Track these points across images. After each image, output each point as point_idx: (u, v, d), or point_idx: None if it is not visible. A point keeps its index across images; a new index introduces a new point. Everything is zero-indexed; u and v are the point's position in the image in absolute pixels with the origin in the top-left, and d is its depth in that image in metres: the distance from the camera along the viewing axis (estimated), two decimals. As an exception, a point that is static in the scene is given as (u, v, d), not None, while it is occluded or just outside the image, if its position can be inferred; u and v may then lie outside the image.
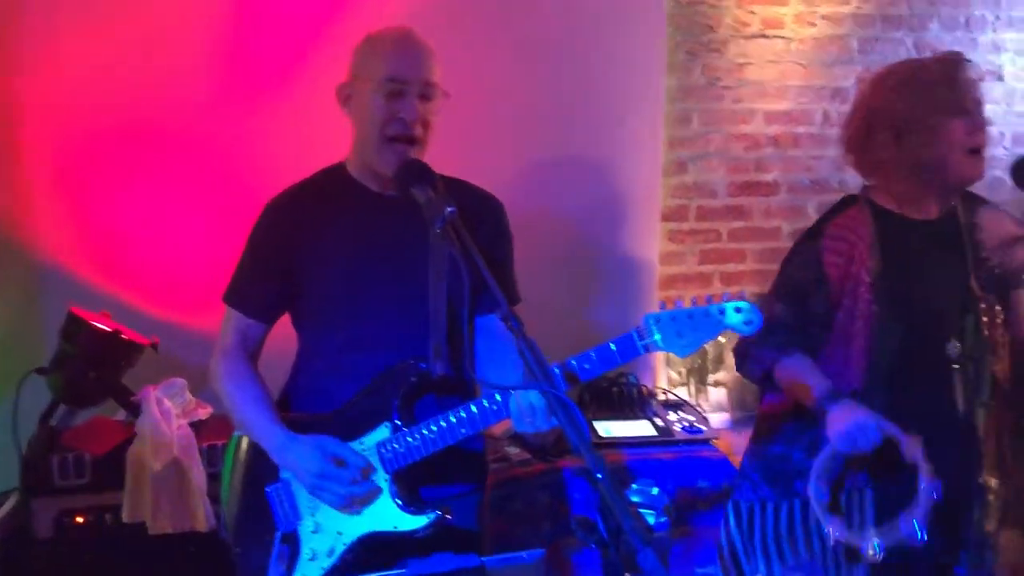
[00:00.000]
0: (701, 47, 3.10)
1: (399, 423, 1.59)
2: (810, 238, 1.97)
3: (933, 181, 1.87)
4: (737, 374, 2.10)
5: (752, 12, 3.13)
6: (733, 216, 3.23)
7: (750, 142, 3.21)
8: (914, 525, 1.70)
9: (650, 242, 3.08)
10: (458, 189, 1.68)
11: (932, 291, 1.87)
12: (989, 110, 3.38)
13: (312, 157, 1.78)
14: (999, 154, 3.49)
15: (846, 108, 3.20)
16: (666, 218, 3.15)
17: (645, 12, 2.94)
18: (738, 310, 1.41)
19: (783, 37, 3.18)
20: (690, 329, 1.45)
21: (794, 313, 1.92)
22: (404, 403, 1.61)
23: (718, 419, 3.11)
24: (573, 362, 1.46)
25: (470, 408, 1.52)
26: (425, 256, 1.61)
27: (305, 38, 2.68)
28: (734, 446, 2.75)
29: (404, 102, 1.62)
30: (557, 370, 1.43)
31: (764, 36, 3.16)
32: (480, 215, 1.68)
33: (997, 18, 3.40)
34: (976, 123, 1.84)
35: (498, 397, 1.50)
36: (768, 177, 3.24)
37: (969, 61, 1.88)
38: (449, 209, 1.45)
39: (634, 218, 3.03)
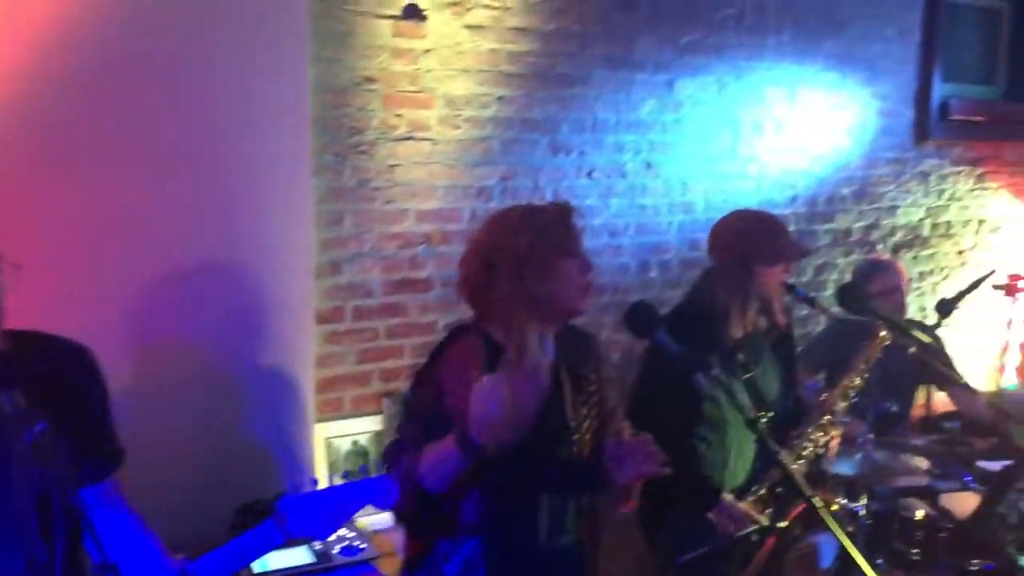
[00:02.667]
0: (349, 149, 3.11)
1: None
2: (428, 366, 2.07)
3: (547, 315, 2.00)
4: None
5: (399, 115, 3.20)
6: (390, 314, 3.26)
7: (403, 240, 3.26)
8: None
9: (305, 346, 3.00)
10: (30, 346, 1.49)
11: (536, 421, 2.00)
12: (614, 204, 3.78)
13: None
14: (625, 242, 3.87)
15: (491, 206, 3.44)
16: (321, 320, 3.10)
17: (288, 115, 2.88)
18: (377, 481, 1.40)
19: (430, 139, 3.28)
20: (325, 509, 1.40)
21: (419, 436, 1.97)
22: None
23: (379, 520, 3.09)
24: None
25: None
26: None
27: None
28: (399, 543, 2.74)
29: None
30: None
31: (412, 138, 3.24)
32: (61, 379, 1.51)
33: (618, 122, 3.77)
34: (586, 263, 2.01)
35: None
36: (422, 274, 3.31)
37: (574, 208, 2.05)
38: (39, 427, 1.28)
39: (287, 324, 2.93)
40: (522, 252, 1.96)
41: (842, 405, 2.34)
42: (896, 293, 3.55)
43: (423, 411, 2.00)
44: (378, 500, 1.59)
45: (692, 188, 4.02)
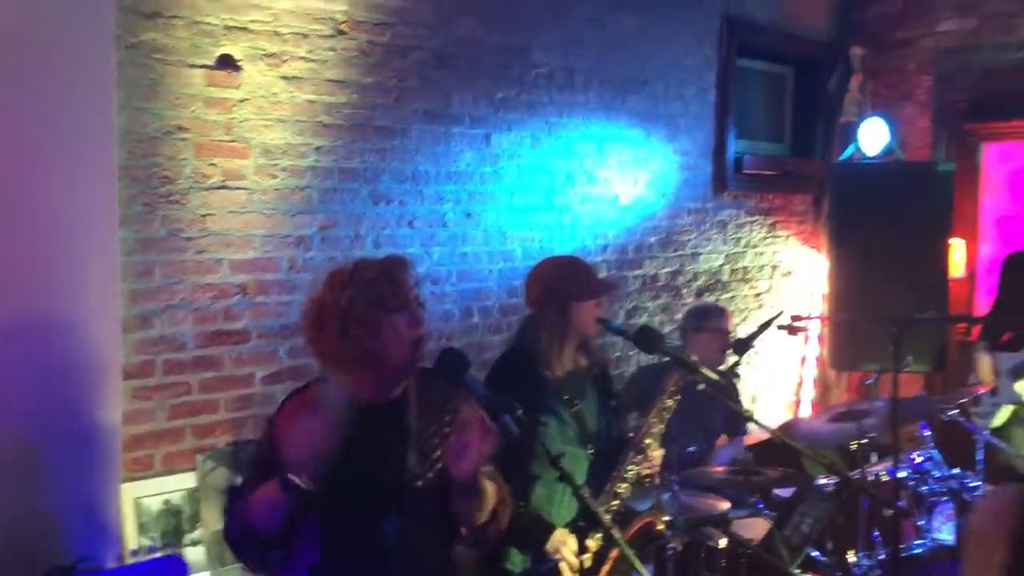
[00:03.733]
0: (159, 199, 3.03)
1: None
2: (270, 417, 2.14)
3: (379, 370, 2.05)
4: (214, 530, 2.12)
5: (213, 164, 3.15)
6: (203, 367, 3.17)
7: (217, 291, 3.19)
8: None
9: (112, 403, 2.88)
10: None
11: (370, 473, 2.03)
12: (436, 252, 3.87)
13: None
14: (447, 290, 3.96)
15: (310, 255, 3.44)
16: (130, 375, 2.98)
17: (94, 164, 2.79)
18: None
19: (245, 188, 3.25)
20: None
21: (253, 482, 2.04)
22: None
23: (198, 580, 2.99)
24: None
25: None
26: None
27: None
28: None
29: None
30: None
31: (226, 187, 3.19)
32: None
33: (438, 173, 3.87)
34: (415, 317, 2.06)
35: None
36: (238, 325, 3.25)
37: (408, 261, 2.11)
38: None
39: (92, 380, 2.81)
40: (345, 308, 2.01)
41: (650, 440, 2.50)
42: (724, 335, 3.84)
43: (259, 459, 2.08)
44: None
45: (511, 237, 4.16)
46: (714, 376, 2.47)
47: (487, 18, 3.95)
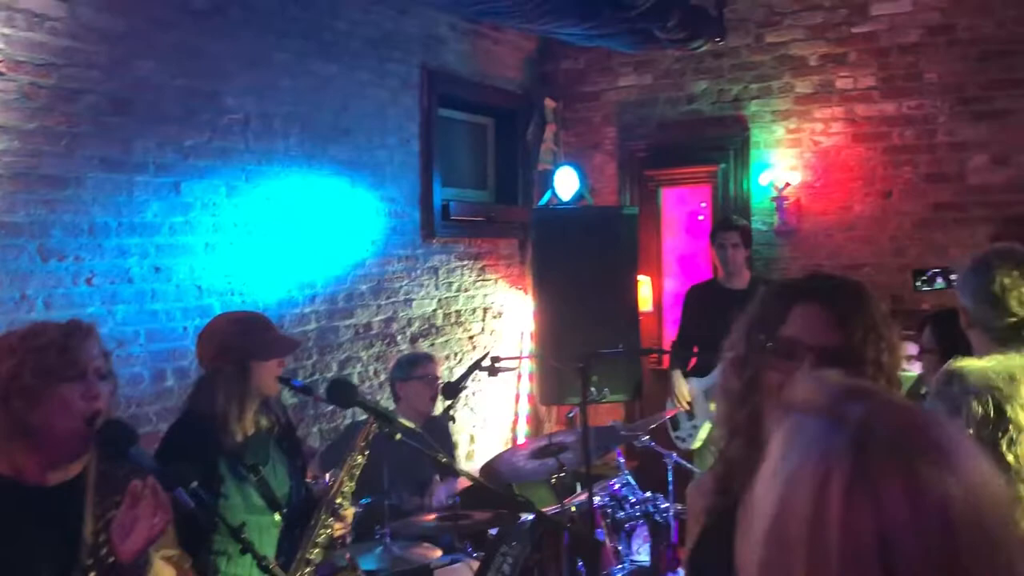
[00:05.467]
0: None
1: None
2: None
3: (43, 447, 1.83)
4: None
5: None
6: None
7: None
8: None
9: None
10: None
11: (27, 568, 1.80)
12: (121, 311, 3.56)
13: None
14: (136, 351, 3.66)
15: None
16: None
17: None
18: None
19: None
20: None
21: None
22: None
23: None
24: None
25: None
26: None
27: None
28: None
29: None
30: None
31: None
32: None
33: (120, 225, 3.58)
34: (90, 389, 1.85)
35: None
36: None
37: (90, 327, 1.91)
38: None
39: None
40: (7, 376, 1.81)
41: (341, 500, 2.42)
42: (433, 382, 3.84)
43: None
44: None
45: (207, 291, 3.94)
46: (410, 425, 2.45)
47: (170, 61, 3.74)
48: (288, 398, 3.42)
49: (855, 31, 5.25)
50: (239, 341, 2.52)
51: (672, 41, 4.69)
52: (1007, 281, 2.11)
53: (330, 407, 4.34)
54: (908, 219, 5.15)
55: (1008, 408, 2.01)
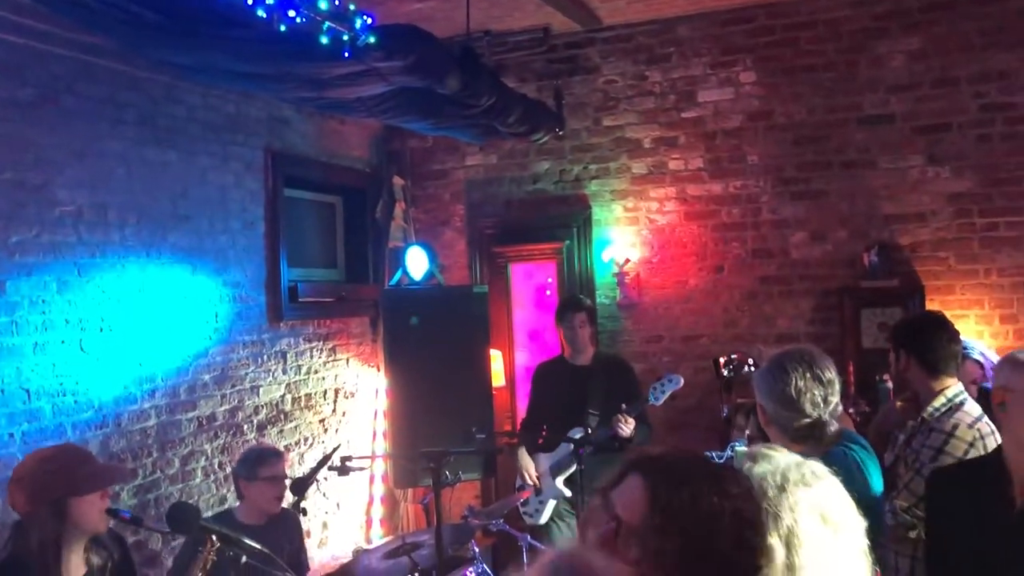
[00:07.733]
0: None
1: None
2: None
3: None
4: None
5: None
6: None
7: None
8: None
9: None
10: None
11: None
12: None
13: None
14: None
15: None
16: None
17: None
18: None
19: None
20: None
21: None
22: None
23: None
24: None
25: None
26: None
27: None
28: None
29: None
30: None
31: None
32: None
33: (-65, 330, 3.35)
34: None
35: None
36: None
37: None
38: None
39: None
40: None
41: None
42: (279, 481, 3.68)
43: None
44: None
45: (37, 393, 3.72)
46: (256, 546, 2.38)
47: (-8, 156, 3.57)
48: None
49: (684, 116, 5.60)
50: (51, 480, 2.37)
51: (514, 134, 4.85)
52: (801, 384, 2.29)
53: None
54: (738, 292, 5.47)
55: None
